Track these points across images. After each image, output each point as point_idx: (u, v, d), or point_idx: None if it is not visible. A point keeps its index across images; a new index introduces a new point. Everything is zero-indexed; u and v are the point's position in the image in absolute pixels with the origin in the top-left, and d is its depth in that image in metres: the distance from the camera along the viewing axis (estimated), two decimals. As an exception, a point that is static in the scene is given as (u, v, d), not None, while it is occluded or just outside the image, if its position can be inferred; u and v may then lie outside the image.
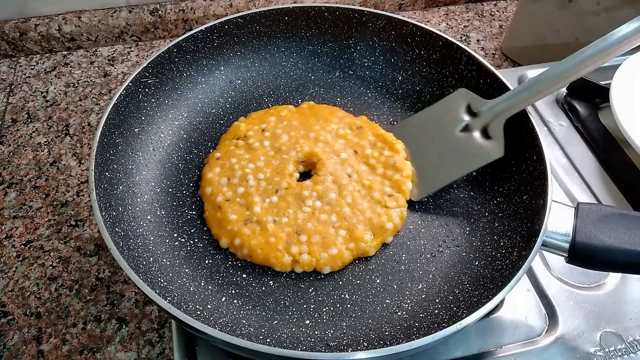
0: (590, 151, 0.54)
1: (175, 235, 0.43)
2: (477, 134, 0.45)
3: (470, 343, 0.40)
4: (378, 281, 0.40)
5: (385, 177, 0.45)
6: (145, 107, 0.47)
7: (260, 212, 0.42)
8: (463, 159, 0.45)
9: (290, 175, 0.45)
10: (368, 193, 0.44)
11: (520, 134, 0.44)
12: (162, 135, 0.48)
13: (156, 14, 0.69)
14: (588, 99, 0.56)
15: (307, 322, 0.38)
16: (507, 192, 0.44)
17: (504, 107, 0.44)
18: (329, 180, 0.44)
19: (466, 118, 0.46)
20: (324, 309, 0.39)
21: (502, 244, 0.41)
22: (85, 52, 0.69)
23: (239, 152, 0.46)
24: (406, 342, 0.31)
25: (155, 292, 0.33)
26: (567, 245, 0.36)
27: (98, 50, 0.70)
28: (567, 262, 0.37)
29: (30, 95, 0.63)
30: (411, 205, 0.45)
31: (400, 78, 0.53)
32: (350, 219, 0.42)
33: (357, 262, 0.41)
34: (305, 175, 0.46)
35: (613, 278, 0.44)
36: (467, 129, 0.45)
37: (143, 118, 0.47)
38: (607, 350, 0.40)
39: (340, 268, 0.41)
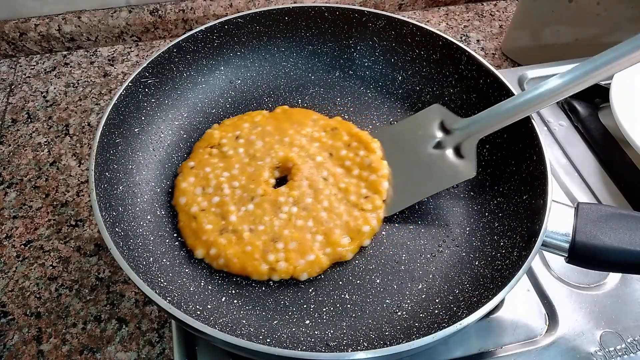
0: (590, 151, 0.54)
1: (175, 235, 0.43)
2: (449, 152, 0.44)
3: (470, 343, 0.40)
4: (378, 281, 0.40)
5: (361, 178, 0.44)
6: (145, 107, 0.47)
7: (236, 221, 0.42)
8: (434, 177, 0.44)
9: (265, 181, 0.44)
10: (344, 196, 0.43)
11: (520, 134, 0.44)
12: (162, 135, 0.48)
13: (156, 14, 0.69)
14: (588, 99, 0.56)
15: (307, 322, 0.38)
16: (507, 192, 0.44)
17: (477, 128, 0.44)
18: (305, 185, 0.43)
19: (439, 135, 0.45)
20: (324, 309, 0.39)
21: (502, 244, 0.41)
22: (85, 52, 0.69)
23: (213, 161, 0.45)
24: (406, 342, 0.31)
25: (155, 292, 0.33)
26: (567, 245, 0.36)
27: (98, 50, 0.70)
28: (567, 262, 0.37)
29: (30, 95, 0.63)
30: (411, 205, 0.45)
31: (400, 78, 0.53)
32: (327, 223, 0.42)
33: (356, 262, 0.41)
34: (281, 181, 0.46)
35: (613, 278, 0.44)
36: (440, 146, 0.45)
37: (143, 118, 0.47)
38: (607, 350, 0.40)
39: (318, 274, 0.40)
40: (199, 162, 0.45)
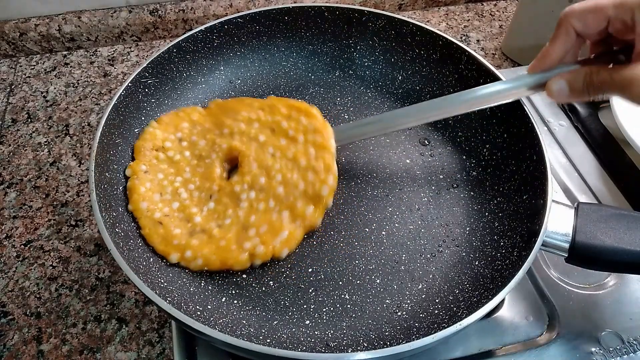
0: (590, 151, 0.54)
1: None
2: None
3: (470, 343, 0.40)
4: (378, 281, 0.40)
5: (308, 142, 0.44)
6: (145, 107, 0.47)
7: (202, 221, 0.41)
8: None
9: (219, 177, 0.44)
10: (295, 164, 0.43)
11: (520, 134, 0.44)
12: (162, 136, 0.48)
13: (156, 14, 0.69)
14: (588, 99, 0.56)
15: (307, 322, 0.38)
16: (507, 192, 0.44)
17: (338, 137, 0.44)
18: (255, 167, 0.43)
19: None
20: (324, 309, 0.39)
21: (502, 244, 0.41)
22: (85, 52, 0.69)
23: (163, 167, 0.44)
24: (406, 342, 0.31)
25: (155, 292, 0.33)
26: (567, 245, 0.36)
27: (98, 50, 0.70)
28: (567, 262, 0.37)
29: (30, 95, 0.63)
30: (411, 205, 0.45)
31: (400, 78, 0.53)
32: (287, 198, 0.41)
33: (356, 261, 0.41)
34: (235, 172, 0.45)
35: (613, 278, 0.44)
36: None
37: (143, 118, 0.47)
38: (607, 350, 0.40)
39: (296, 247, 0.41)
40: (150, 167, 0.44)
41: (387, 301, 0.39)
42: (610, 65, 0.36)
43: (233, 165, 0.45)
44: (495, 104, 0.41)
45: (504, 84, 0.40)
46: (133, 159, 0.44)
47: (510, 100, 0.41)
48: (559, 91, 0.37)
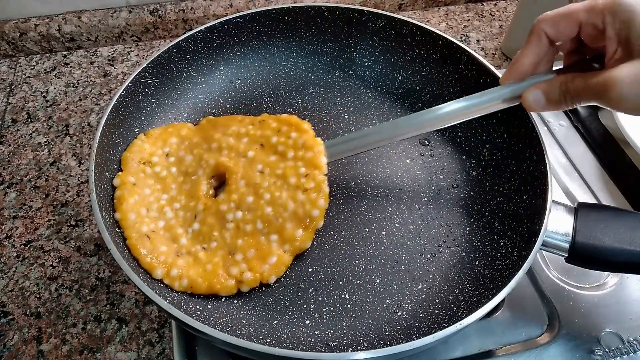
0: (590, 151, 0.54)
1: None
2: None
3: (470, 343, 0.40)
4: (378, 281, 0.40)
5: (298, 158, 0.42)
6: (145, 107, 0.47)
7: (187, 243, 0.40)
8: None
9: (206, 195, 0.42)
10: (284, 182, 0.41)
11: (520, 134, 0.44)
12: (162, 135, 0.48)
13: (156, 14, 0.69)
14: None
15: (307, 322, 0.38)
16: (507, 192, 0.44)
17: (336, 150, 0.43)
18: (242, 185, 0.41)
19: None
20: (324, 309, 0.39)
21: (502, 244, 0.41)
22: (85, 52, 0.69)
23: (150, 182, 0.43)
24: (406, 342, 0.31)
25: (155, 292, 0.33)
26: (567, 245, 0.36)
27: (98, 50, 0.70)
28: (567, 262, 0.38)
29: (30, 95, 0.63)
30: (411, 205, 0.45)
31: (400, 78, 0.53)
32: (275, 219, 0.40)
33: (356, 261, 0.41)
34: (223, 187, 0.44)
35: (613, 278, 0.44)
36: None
37: (143, 118, 0.47)
38: (607, 350, 0.40)
39: (285, 271, 0.40)
40: (138, 181, 0.42)
41: (387, 301, 0.39)
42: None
43: (221, 182, 0.44)
44: (469, 118, 0.40)
45: (477, 98, 0.39)
46: (120, 170, 0.43)
47: (485, 114, 0.40)
48: (535, 102, 0.37)
